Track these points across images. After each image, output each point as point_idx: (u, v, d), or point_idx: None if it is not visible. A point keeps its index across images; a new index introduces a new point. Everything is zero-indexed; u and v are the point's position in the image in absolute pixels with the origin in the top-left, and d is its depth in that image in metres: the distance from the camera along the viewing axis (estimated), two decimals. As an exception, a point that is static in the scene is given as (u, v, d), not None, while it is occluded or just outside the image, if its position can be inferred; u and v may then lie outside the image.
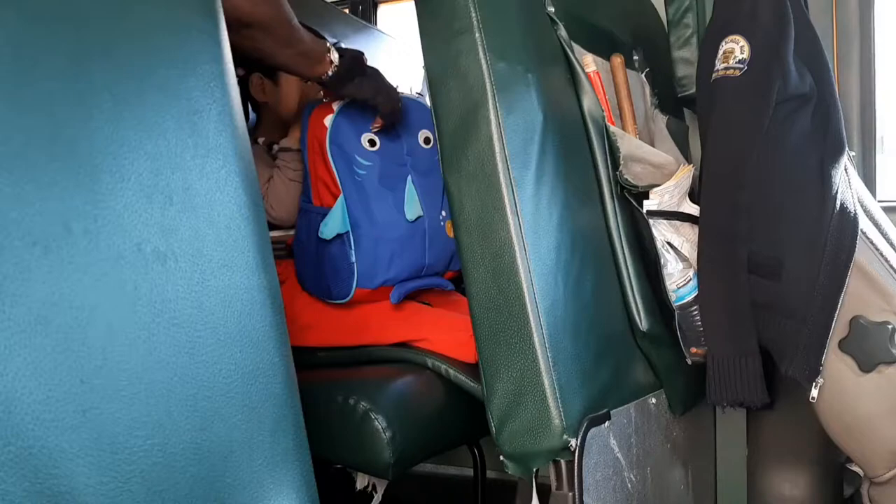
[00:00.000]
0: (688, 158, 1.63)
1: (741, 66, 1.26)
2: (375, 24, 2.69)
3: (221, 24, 0.73)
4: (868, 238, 1.21)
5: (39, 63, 0.56)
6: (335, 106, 1.41)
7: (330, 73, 1.32)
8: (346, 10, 2.66)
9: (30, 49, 0.56)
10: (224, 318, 0.66)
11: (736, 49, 1.28)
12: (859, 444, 1.21)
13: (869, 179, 1.67)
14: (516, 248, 1.09)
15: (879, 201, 1.64)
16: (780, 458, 1.55)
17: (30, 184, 0.53)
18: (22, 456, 0.49)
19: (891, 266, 1.21)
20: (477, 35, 1.11)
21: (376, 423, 1.20)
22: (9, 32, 0.54)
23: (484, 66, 1.11)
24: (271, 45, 1.21)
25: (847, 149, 1.29)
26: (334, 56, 1.32)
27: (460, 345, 1.34)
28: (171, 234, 0.63)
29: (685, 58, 1.64)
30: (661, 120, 1.60)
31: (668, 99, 1.64)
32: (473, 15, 1.11)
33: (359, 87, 1.36)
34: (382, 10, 2.73)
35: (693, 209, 1.34)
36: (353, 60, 1.36)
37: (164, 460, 0.58)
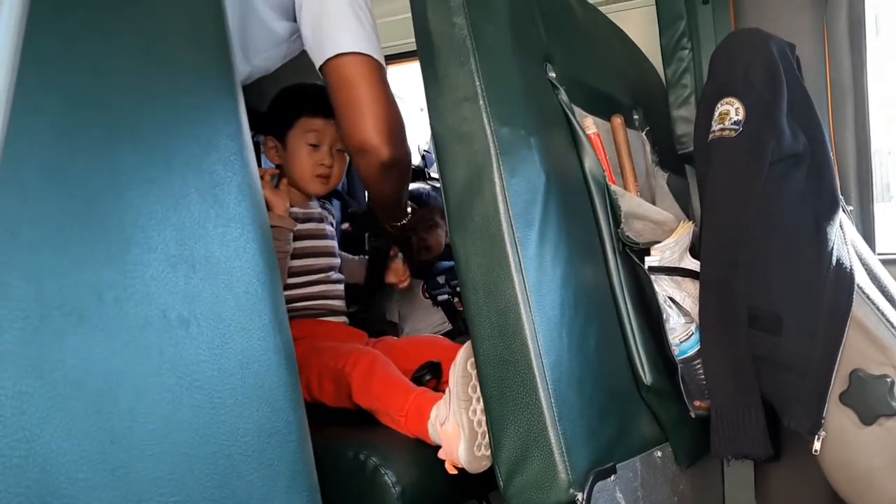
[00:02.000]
0: (689, 214, 1.67)
1: (736, 127, 1.31)
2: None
3: (240, 102, 0.79)
4: (865, 293, 1.24)
5: (76, 145, 0.61)
6: None
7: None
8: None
9: (68, 132, 0.61)
10: (242, 380, 0.69)
11: (731, 111, 1.33)
12: (862, 497, 1.22)
13: (868, 233, 1.70)
14: (521, 306, 1.13)
15: (886, 254, 1.67)
16: (788, 511, 1.56)
17: (66, 257, 0.58)
18: (57, 514, 0.53)
19: (888, 320, 1.24)
20: (481, 102, 1.16)
21: (386, 478, 1.22)
22: (50, 118, 0.59)
23: (488, 131, 1.16)
24: (393, 185, 1.48)
25: (843, 205, 1.34)
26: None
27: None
28: (193, 301, 0.67)
29: (684, 116, 1.70)
30: (661, 177, 1.64)
31: (669, 156, 1.69)
32: (477, 83, 1.16)
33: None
34: (391, 70, 2.81)
35: (694, 264, 1.38)
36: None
37: (186, 517, 0.61)
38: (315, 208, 1.71)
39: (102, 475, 0.56)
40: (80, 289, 0.58)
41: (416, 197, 1.99)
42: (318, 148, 1.61)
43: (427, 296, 1.94)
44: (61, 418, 0.54)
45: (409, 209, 1.72)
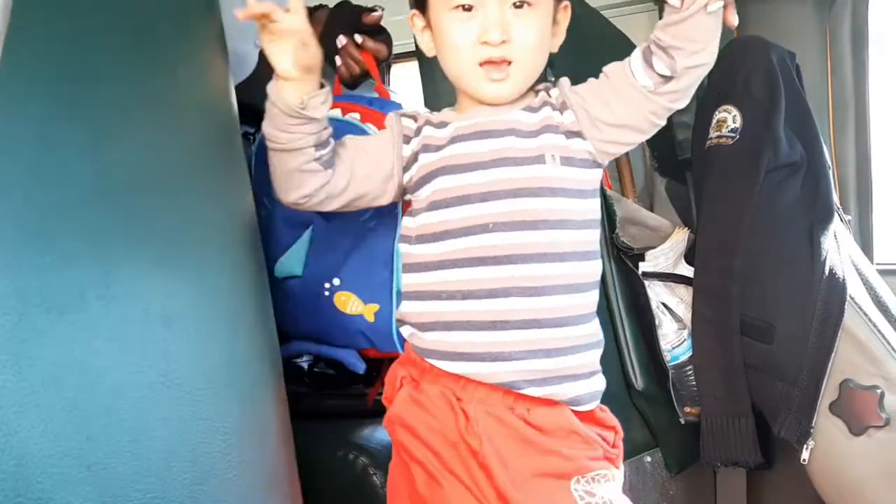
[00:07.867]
0: (687, 221, 1.67)
1: (733, 134, 1.31)
2: (388, 84, 2.75)
3: (232, 97, 0.79)
4: (857, 304, 1.24)
5: (59, 143, 0.61)
6: None
7: None
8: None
9: (51, 130, 0.61)
10: (224, 378, 0.70)
11: (729, 118, 1.33)
12: (851, 508, 1.22)
13: (866, 243, 1.69)
14: (513, 308, 1.12)
15: (884, 264, 1.66)
16: (779, 519, 1.56)
17: (50, 255, 0.58)
18: (31, 508, 0.53)
19: (880, 331, 1.24)
20: (477, 103, 1.15)
21: (374, 478, 1.22)
22: (32, 116, 0.60)
23: (484, 134, 1.15)
24: None
25: (840, 214, 1.33)
26: None
27: None
28: (177, 299, 0.67)
29: (685, 122, 1.69)
30: (660, 183, 1.64)
31: (668, 162, 1.69)
32: (474, 85, 1.16)
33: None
34: (396, 69, 2.80)
35: (688, 271, 1.38)
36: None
37: (162, 513, 0.62)
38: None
39: (78, 471, 0.57)
40: (63, 286, 0.59)
41: None
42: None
43: None
44: (38, 413, 0.55)
45: None
